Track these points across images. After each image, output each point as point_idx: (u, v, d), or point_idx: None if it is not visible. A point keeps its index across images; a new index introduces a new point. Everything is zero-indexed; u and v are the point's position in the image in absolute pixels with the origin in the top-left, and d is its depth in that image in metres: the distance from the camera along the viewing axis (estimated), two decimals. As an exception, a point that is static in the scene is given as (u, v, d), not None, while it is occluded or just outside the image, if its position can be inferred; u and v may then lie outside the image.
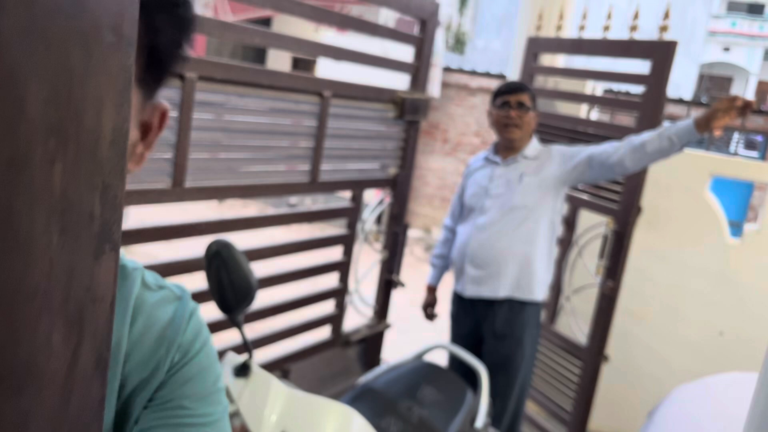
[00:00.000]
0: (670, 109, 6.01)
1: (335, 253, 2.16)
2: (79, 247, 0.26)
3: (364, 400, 1.57)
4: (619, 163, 1.82)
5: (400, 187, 2.26)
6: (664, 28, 2.15)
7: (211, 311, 1.34)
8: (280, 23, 8.48)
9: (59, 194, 0.25)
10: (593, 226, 2.50)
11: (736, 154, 3.16)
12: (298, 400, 1.21)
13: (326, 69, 5.91)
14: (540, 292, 1.99)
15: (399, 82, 2.24)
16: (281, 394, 1.18)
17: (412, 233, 7.05)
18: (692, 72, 16.85)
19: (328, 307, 2.17)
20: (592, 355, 2.33)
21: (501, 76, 6.80)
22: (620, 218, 2.24)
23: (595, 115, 3.18)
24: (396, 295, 2.43)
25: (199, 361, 0.52)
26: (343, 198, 5.82)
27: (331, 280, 2.17)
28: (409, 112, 2.15)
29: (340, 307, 2.17)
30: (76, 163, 0.25)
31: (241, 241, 1.52)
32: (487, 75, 7.28)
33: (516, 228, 1.93)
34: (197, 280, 1.42)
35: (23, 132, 0.23)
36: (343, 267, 2.16)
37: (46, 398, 0.26)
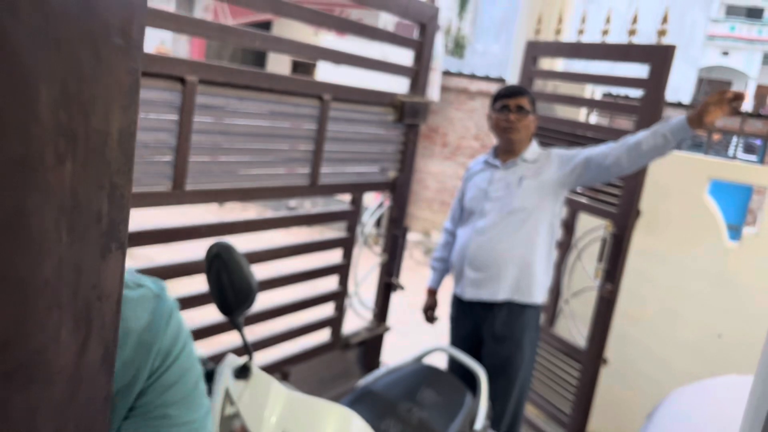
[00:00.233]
0: (669, 112, 6.02)
1: (335, 256, 2.16)
2: (87, 246, 0.26)
3: (364, 403, 1.57)
4: (615, 164, 1.83)
5: (399, 190, 2.27)
6: (662, 33, 2.17)
7: (211, 313, 1.35)
8: (279, 27, 8.51)
9: (69, 193, 0.25)
10: (592, 229, 2.50)
11: (734, 157, 3.17)
12: (298, 402, 1.21)
13: (326, 72, 5.93)
14: (539, 295, 1.99)
15: (398, 85, 2.25)
16: (281, 396, 1.19)
17: (412, 236, 7.06)
18: (691, 76, 16.88)
19: (327, 309, 2.18)
20: (591, 357, 2.34)
21: (500, 80, 6.82)
22: (619, 221, 2.25)
23: (594, 118, 3.19)
24: (395, 298, 2.44)
25: (180, 364, 0.51)
26: (342, 201, 5.82)
27: (330, 283, 2.18)
28: (409, 116, 2.16)
29: (340, 310, 2.18)
30: (85, 163, 0.26)
31: (241, 243, 1.53)
32: (487, 79, 7.30)
33: (515, 231, 1.93)
34: (198, 283, 1.42)
35: (35, 133, 0.23)
36: (342, 270, 2.16)
37: (55, 391, 0.26)
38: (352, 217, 2.14)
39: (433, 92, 6.40)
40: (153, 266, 1.58)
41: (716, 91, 1.69)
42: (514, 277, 1.94)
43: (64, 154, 0.24)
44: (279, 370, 1.95)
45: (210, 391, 1.21)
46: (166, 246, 1.59)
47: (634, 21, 2.28)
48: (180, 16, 1.58)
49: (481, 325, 2.03)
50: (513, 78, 2.82)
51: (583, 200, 2.46)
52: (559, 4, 2.83)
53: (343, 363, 2.25)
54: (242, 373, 1.19)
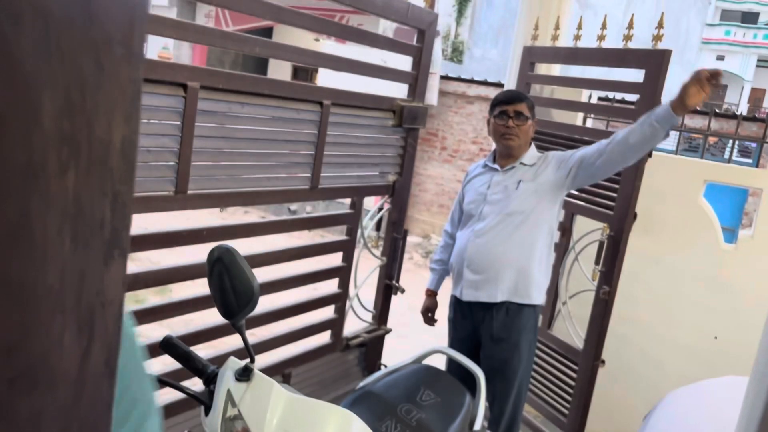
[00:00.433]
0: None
1: (335, 259, 2.18)
2: (91, 252, 0.27)
3: (364, 404, 1.58)
4: (608, 161, 1.85)
5: (399, 193, 2.29)
6: (658, 38, 2.20)
7: (213, 315, 1.37)
8: (280, 32, 8.55)
9: (72, 201, 0.25)
10: (589, 232, 2.53)
11: (730, 160, 3.20)
12: (298, 404, 1.22)
13: (327, 77, 5.96)
14: (537, 296, 2.01)
15: (398, 89, 2.28)
16: (282, 398, 1.20)
17: (411, 239, 7.08)
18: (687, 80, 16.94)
19: (328, 312, 2.20)
20: (589, 359, 2.36)
21: (499, 85, 6.85)
22: (616, 224, 2.27)
23: (590, 122, 3.22)
24: (395, 300, 2.46)
25: (133, 396, 0.49)
26: (343, 204, 5.84)
27: (331, 286, 2.20)
28: (408, 120, 2.18)
29: (340, 312, 2.19)
30: (88, 172, 0.26)
31: (243, 247, 1.55)
32: (485, 83, 7.34)
33: (513, 233, 1.96)
34: (200, 286, 1.44)
35: (38, 141, 0.23)
36: (343, 272, 2.18)
37: (58, 397, 0.26)
38: (352, 220, 2.16)
39: (432, 96, 6.44)
40: (156, 269, 1.60)
41: (692, 74, 1.70)
42: (512, 278, 1.96)
43: (67, 163, 0.25)
44: (280, 371, 1.97)
45: (213, 393, 1.22)
46: (168, 249, 1.61)
47: (630, 26, 2.31)
48: (182, 23, 1.60)
49: (479, 327, 2.05)
50: (511, 83, 2.85)
51: (581, 203, 2.48)
52: (556, 10, 2.87)
53: (343, 365, 2.27)
54: (244, 375, 1.21)
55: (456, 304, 2.13)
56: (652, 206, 2.68)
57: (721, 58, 24.28)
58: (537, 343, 2.24)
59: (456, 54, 9.46)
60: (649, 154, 2.26)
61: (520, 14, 2.96)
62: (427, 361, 1.89)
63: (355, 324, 2.36)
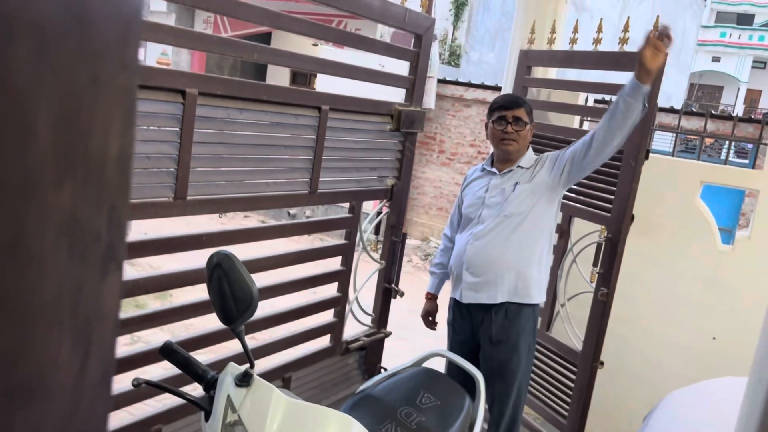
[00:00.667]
0: (661, 118, 6.09)
1: (335, 263, 2.19)
2: (87, 266, 0.27)
3: (364, 407, 1.59)
4: (597, 150, 1.85)
5: (397, 197, 2.30)
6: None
7: (212, 321, 1.37)
8: (279, 37, 8.57)
9: (68, 214, 0.25)
10: (587, 234, 2.54)
11: (726, 162, 3.22)
12: (298, 409, 1.23)
13: (325, 81, 5.97)
14: (537, 296, 2.02)
15: (396, 93, 2.29)
16: (282, 404, 1.21)
17: (410, 242, 7.08)
18: (683, 82, 17.04)
19: (327, 315, 2.20)
20: (588, 360, 2.36)
21: (496, 88, 6.88)
22: (613, 226, 2.28)
23: (587, 125, 3.24)
24: (395, 303, 2.46)
25: None
26: (342, 207, 5.85)
27: (330, 290, 2.20)
28: (406, 125, 2.19)
29: (340, 316, 2.20)
30: (84, 185, 0.26)
31: (242, 252, 1.55)
32: (482, 86, 7.37)
33: (511, 235, 1.97)
34: (200, 291, 1.45)
35: (33, 155, 0.23)
36: (342, 276, 2.18)
37: (55, 410, 0.26)
38: (351, 224, 2.17)
39: (430, 100, 6.46)
40: (156, 275, 1.61)
41: (644, 39, 1.71)
42: (512, 280, 1.97)
43: (63, 176, 0.24)
44: (280, 375, 1.97)
45: (213, 399, 1.22)
46: (168, 255, 1.61)
47: (626, 29, 2.33)
48: (180, 30, 1.61)
49: (478, 329, 2.05)
50: (508, 86, 2.86)
51: (579, 206, 2.49)
52: (552, 13, 2.88)
53: (343, 368, 2.27)
54: (244, 380, 1.21)
55: (455, 306, 2.13)
56: (649, 208, 2.69)
57: (716, 59, 24.40)
58: (536, 345, 2.25)
59: (453, 58, 9.50)
60: (646, 156, 2.27)
61: (517, 18, 2.97)
62: (426, 364, 1.90)
63: (354, 327, 2.37)
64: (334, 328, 2.19)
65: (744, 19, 24.59)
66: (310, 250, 2.05)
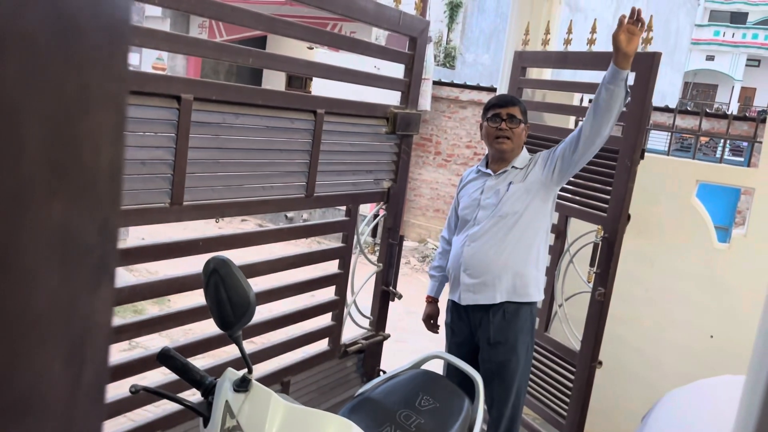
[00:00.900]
0: (656, 117, 6.11)
1: (332, 266, 2.19)
2: (79, 279, 0.27)
3: (363, 411, 1.59)
4: (586, 142, 1.86)
5: (394, 200, 2.30)
6: (647, 41, 2.22)
7: (212, 325, 1.37)
8: (274, 41, 8.57)
9: (59, 228, 0.25)
10: (584, 234, 2.54)
11: (721, 160, 3.23)
12: (297, 413, 1.23)
13: (321, 85, 5.98)
14: (535, 293, 2.02)
15: (392, 95, 2.29)
16: (280, 408, 1.20)
17: (407, 244, 7.08)
18: (677, 81, 17.11)
19: (326, 319, 2.20)
20: (586, 360, 2.37)
21: (492, 89, 6.90)
22: (610, 226, 2.29)
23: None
24: (393, 305, 2.46)
25: None
26: (339, 210, 5.85)
27: (328, 293, 2.20)
28: (402, 127, 2.20)
29: (338, 319, 2.20)
30: (76, 198, 0.26)
31: (239, 256, 1.55)
32: (478, 88, 7.38)
33: (507, 235, 1.97)
34: (198, 296, 1.44)
35: (24, 170, 0.23)
36: (340, 279, 2.18)
37: (48, 425, 0.26)
38: (348, 227, 2.17)
39: (425, 102, 6.47)
40: (153, 281, 1.60)
41: (618, 25, 1.74)
42: (509, 280, 1.98)
43: (54, 190, 0.24)
44: (279, 380, 1.97)
45: (211, 405, 1.22)
46: (165, 260, 1.61)
47: (619, 30, 2.33)
48: (175, 36, 1.61)
49: (476, 331, 2.05)
50: (503, 87, 2.87)
51: (575, 206, 2.50)
52: (547, 14, 2.89)
53: (342, 371, 2.27)
54: (242, 386, 1.21)
55: (453, 308, 2.13)
56: (645, 207, 2.70)
57: (711, 58, 24.50)
58: (535, 346, 2.25)
59: (448, 59, 9.52)
60: (642, 155, 2.28)
61: (511, 19, 2.98)
62: (425, 367, 1.90)
63: (353, 330, 2.37)
64: (333, 332, 2.19)
65: (737, 18, 24.72)
66: (307, 254, 2.05)
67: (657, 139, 5.98)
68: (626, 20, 1.75)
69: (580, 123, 1.91)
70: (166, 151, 1.50)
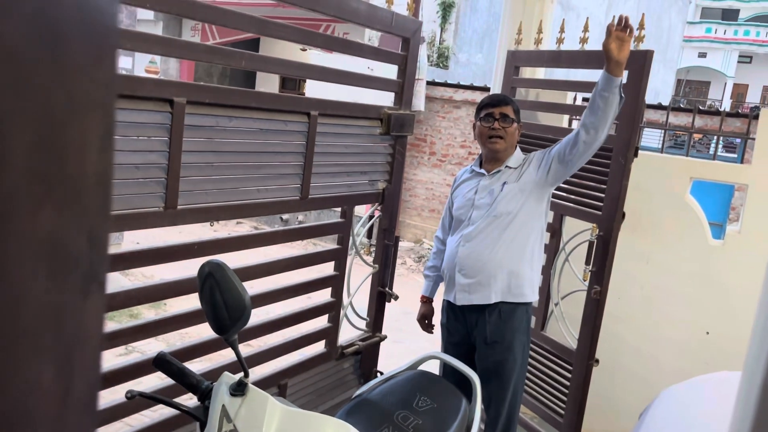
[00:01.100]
0: (649, 115, 6.14)
1: (328, 268, 2.18)
2: (67, 289, 0.26)
3: (360, 413, 1.59)
4: (583, 145, 1.86)
5: (389, 200, 2.30)
6: (640, 39, 2.23)
7: (208, 329, 1.36)
8: (267, 43, 8.56)
9: (47, 238, 0.25)
10: (579, 232, 2.55)
11: (715, 157, 3.25)
12: (294, 417, 1.22)
13: (314, 86, 5.97)
14: (530, 294, 2.03)
15: (385, 96, 2.29)
16: (277, 412, 1.20)
17: (403, 244, 7.08)
18: (670, 78, 17.20)
19: (322, 321, 2.19)
20: (583, 358, 2.37)
21: (485, 89, 6.91)
22: (605, 224, 2.30)
23: (576, 124, 3.26)
24: (389, 306, 2.46)
25: None
26: (334, 212, 5.83)
27: (324, 295, 2.20)
28: (396, 128, 2.20)
29: (335, 321, 2.19)
30: (63, 208, 0.25)
31: (235, 259, 1.55)
32: (471, 87, 7.40)
33: (501, 235, 1.97)
34: (194, 300, 1.44)
35: (10, 180, 0.23)
36: (336, 281, 2.18)
37: None
38: (343, 228, 2.17)
39: (419, 102, 6.47)
40: (148, 285, 1.60)
41: (606, 33, 1.75)
42: (504, 279, 1.98)
43: (41, 201, 0.24)
44: (276, 382, 1.96)
45: (208, 409, 1.22)
46: (161, 264, 1.60)
47: (611, 29, 2.34)
48: (168, 39, 1.61)
49: (472, 331, 2.06)
50: (497, 87, 2.87)
51: (569, 204, 2.50)
52: (539, 13, 2.90)
53: (339, 373, 2.26)
54: (238, 390, 1.21)
55: (448, 308, 2.14)
56: (639, 205, 2.71)
57: (703, 55, 24.63)
58: (531, 345, 2.25)
59: (442, 59, 9.53)
60: (636, 153, 2.29)
61: (503, 18, 2.99)
62: (422, 367, 1.90)
63: (349, 332, 2.36)
64: (329, 334, 2.19)
65: (729, 15, 24.87)
66: (302, 256, 2.05)
67: (650, 137, 6.01)
68: (614, 28, 1.74)
69: (576, 125, 1.92)
70: (160, 155, 1.49)
